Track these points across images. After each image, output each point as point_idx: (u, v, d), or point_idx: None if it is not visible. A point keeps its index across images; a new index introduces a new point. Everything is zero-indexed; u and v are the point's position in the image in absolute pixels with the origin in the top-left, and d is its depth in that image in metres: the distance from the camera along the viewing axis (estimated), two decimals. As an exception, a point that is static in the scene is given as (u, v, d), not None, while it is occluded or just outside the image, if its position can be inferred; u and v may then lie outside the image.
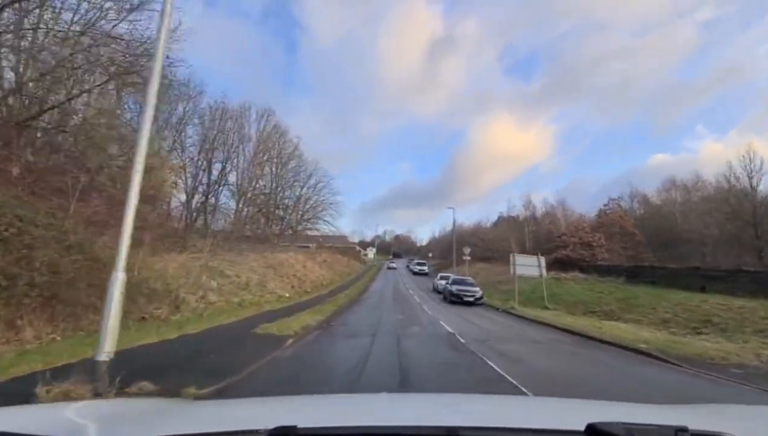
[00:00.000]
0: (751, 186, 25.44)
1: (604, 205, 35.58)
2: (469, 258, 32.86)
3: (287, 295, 19.14)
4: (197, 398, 4.10)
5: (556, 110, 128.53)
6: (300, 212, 49.68)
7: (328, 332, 10.10)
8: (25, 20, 11.19)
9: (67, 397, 3.54)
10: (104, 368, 3.92)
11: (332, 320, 12.22)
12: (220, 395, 4.49)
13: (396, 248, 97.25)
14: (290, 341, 8.02)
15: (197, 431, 1.03)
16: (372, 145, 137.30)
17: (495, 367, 6.62)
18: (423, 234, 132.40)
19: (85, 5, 11.80)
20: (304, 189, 49.15)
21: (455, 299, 21.07)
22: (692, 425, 0.93)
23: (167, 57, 15.23)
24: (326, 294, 21.30)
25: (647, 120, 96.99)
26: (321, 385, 5.36)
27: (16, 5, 10.59)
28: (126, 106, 17.89)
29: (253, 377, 5.48)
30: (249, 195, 42.22)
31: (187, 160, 35.06)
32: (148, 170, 6.58)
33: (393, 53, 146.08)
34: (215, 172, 37.68)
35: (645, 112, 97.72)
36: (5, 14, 10.46)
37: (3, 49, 11.14)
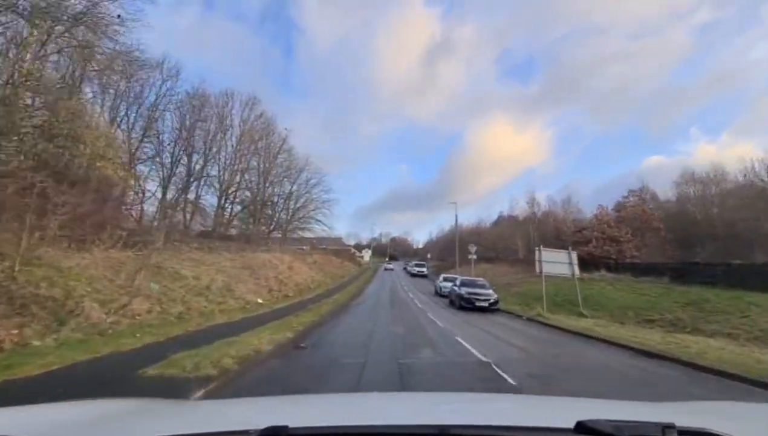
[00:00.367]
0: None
1: (623, 197, 32.06)
2: (475, 257, 29.14)
3: (260, 301, 15.36)
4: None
5: (552, 113, 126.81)
6: (290, 211, 45.90)
7: (287, 364, 6.30)
8: None
9: None
10: None
11: (305, 337, 8.46)
12: None
13: (392, 250, 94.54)
14: (201, 392, 4.27)
15: (187, 431, 0.98)
16: (369, 148, 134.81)
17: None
18: (420, 236, 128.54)
19: None
20: (295, 186, 45.33)
21: (466, 305, 17.37)
22: (680, 422, 0.92)
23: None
24: (311, 299, 17.50)
25: (642, 122, 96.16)
26: None
27: None
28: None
29: None
30: (232, 190, 38.49)
31: (164, 152, 31.43)
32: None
33: (390, 56, 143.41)
34: (196, 166, 34.01)
35: (640, 114, 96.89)
36: None
37: None
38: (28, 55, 11.95)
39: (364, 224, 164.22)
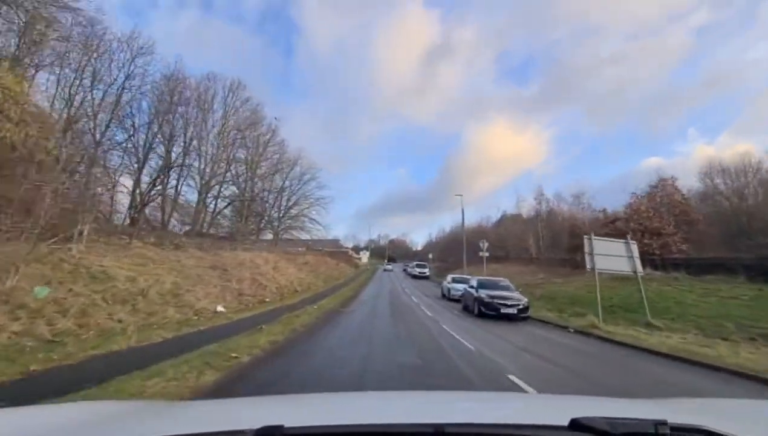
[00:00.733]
0: None
1: (652, 186, 28.33)
2: (487, 254, 25.35)
3: (220, 309, 11.53)
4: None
5: (551, 114, 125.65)
6: (282, 209, 42.09)
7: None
8: None
9: None
10: None
11: (247, 376, 4.69)
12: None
13: (391, 252, 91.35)
14: None
15: (184, 432, 0.98)
16: (368, 148, 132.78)
17: None
18: (418, 238, 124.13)
19: None
20: (287, 181, 41.60)
21: (487, 311, 13.62)
22: (673, 419, 0.91)
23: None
24: (290, 306, 13.66)
25: (641, 124, 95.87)
26: None
27: None
28: None
29: None
30: (215, 183, 34.69)
31: (137, 138, 27.65)
32: None
33: (390, 57, 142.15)
34: (173, 156, 30.21)
35: (639, 115, 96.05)
36: None
37: None
38: None
39: (363, 226, 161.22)
